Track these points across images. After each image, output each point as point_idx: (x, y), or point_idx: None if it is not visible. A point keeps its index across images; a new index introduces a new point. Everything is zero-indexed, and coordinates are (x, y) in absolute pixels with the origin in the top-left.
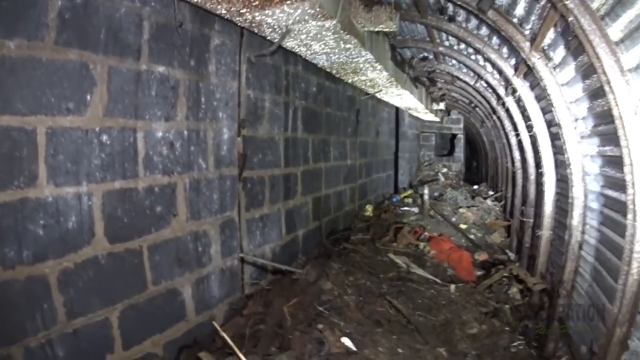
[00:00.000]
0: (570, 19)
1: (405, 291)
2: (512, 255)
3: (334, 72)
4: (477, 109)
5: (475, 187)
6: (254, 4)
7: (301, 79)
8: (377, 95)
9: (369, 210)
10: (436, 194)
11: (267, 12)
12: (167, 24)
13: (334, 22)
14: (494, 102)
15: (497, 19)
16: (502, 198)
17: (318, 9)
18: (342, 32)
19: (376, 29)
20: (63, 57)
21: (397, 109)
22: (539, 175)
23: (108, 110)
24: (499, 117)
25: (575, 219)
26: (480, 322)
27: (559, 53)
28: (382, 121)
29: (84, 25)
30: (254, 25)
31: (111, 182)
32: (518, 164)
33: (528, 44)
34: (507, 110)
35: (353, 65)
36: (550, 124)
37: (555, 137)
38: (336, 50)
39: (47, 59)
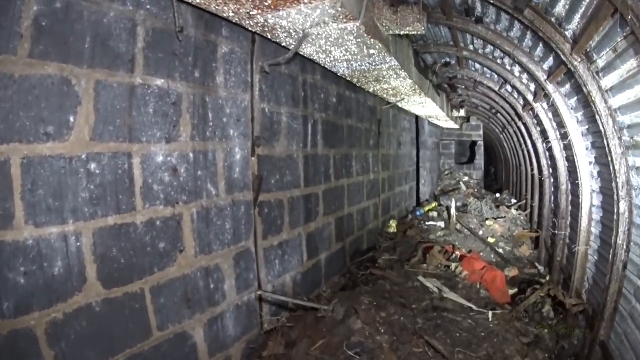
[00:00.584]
0: (630, 17)
1: (442, 324)
2: (542, 269)
3: (354, 80)
4: (498, 114)
5: (498, 195)
6: (266, 3)
7: (320, 89)
8: (399, 104)
9: (393, 226)
10: (459, 204)
11: (281, 13)
12: (166, 29)
13: (358, 24)
14: (519, 108)
15: (535, 19)
16: (526, 207)
17: (340, 9)
18: (366, 35)
19: (402, 32)
20: (40, 72)
21: (417, 117)
22: (574, 185)
23: (96, 133)
24: (524, 124)
25: (620, 237)
26: (523, 356)
27: (605, 56)
28: (404, 131)
29: (65, 33)
30: (266, 29)
31: (103, 218)
32: (547, 172)
33: (568, 46)
34: (536, 117)
35: (376, 73)
36: (588, 131)
37: (593, 146)
38: (358, 57)
39: (20, 76)
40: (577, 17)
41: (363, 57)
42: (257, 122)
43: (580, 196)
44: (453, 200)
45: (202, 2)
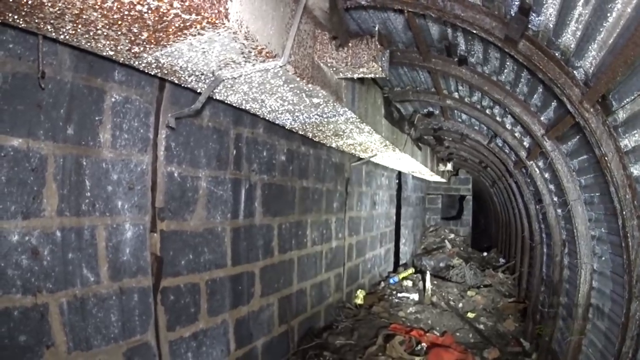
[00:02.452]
0: None
1: None
2: (527, 346)
3: (309, 135)
4: (488, 169)
5: (485, 254)
6: (142, 37)
7: (262, 145)
8: (372, 159)
9: (360, 296)
10: (442, 264)
11: (169, 50)
12: (32, 74)
13: (280, 63)
14: (510, 164)
15: (532, 54)
16: (514, 269)
17: (245, 42)
18: (298, 79)
19: (355, 75)
20: None
21: (399, 171)
22: (571, 258)
23: None
24: (516, 182)
25: (627, 344)
26: None
27: (629, 105)
28: (380, 189)
29: None
30: (165, 72)
31: None
32: (538, 237)
33: (578, 91)
34: (529, 176)
35: (331, 126)
36: (594, 199)
37: (600, 219)
38: (301, 107)
39: None
40: (593, 49)
41: (307, 107)
42: (161, 189)
43: (578, 276)
44: (428, 274)
45: (68, 38)
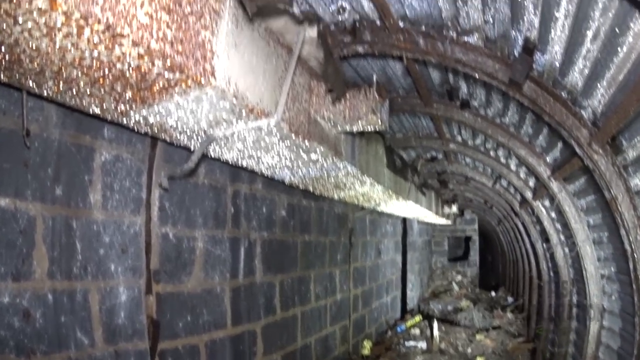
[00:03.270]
0: None
1: None
2: None
3: (310, 188)
4: (493, 208)
5: (493, 293)
6: (126, 96)
7: (261, 201)
8: (377, 208)
9: (367, 347)
10: (450, 307)
11: (157, 108)
12: (16, 131)
13: (272, 121)
14: (516, 205)
15: (538, 96)
16: (523, 308)
17: (234, 100)
18: (294, 136)
19: (354, 129)
20: None
21: (404, 217)
22: (580, 297)
23: None
24: (522, 222)
25: None
26: None
27: (639, 145)
28: (385, 237)
29: None
30: (156, 130)
31: None
32: (546, 276)
33: (586, 132)
34: (536, 216)
35: (332, 180)
36: (603, 239)
37: (610, 258)
38: (299, 163)
39: None
40: (601, 87)
41: (305, 162)
42: (155, 251)
43: (587, 315)
44: (435, 322)
45: (51, 94)
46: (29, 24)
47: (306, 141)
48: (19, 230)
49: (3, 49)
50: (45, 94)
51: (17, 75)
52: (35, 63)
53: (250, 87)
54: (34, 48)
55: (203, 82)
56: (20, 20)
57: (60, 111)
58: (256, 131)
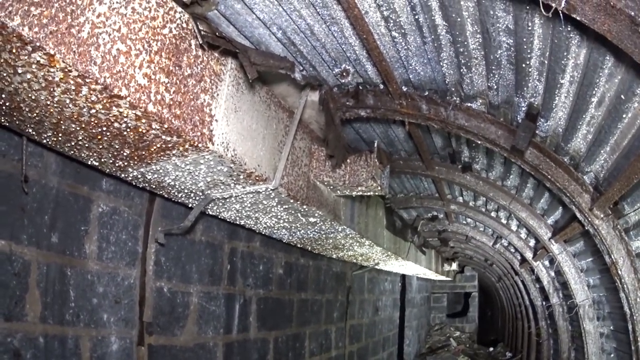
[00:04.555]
0: None
1: None
2: None
3: (308, 248)
4: (494, 265)
5: (491, 349)
6: (124, 153)
7: (258, 259)
8: (376, 266)
9: None
10: None
11: (155, 168)
12: (16, 175)
13: (270, 186)
14: (516, 264)
15: (540, 162)
16: None
17: (232, 165)
18: (292, 201)
19: (354, 193)
20: None
21: (403, 275)
22: (578, 353)
23: None
24: (522, 280)
25: None
26: None
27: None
28: (383, 294)
29: None
30: (154, 186)
31: None
32: (545, 334)
33: (587, 197)
34: (535, 275)
35: (330, 241)
36: (602, 299)
37: (608, 317)
38: (297, 225)
39: None
40: (605, 152)
41: (303, 225)
42: (149, 304)
43: None
44: None
45: (50, 143)
46: (28, 76)
47: (305, 206)
48: (13, 272)
49: (4, 95)
50: (44, 142)
51: (17, 121)
52: (35, 113)
53: (248, 151)
54: (33, 99)
55: (200, 146)
56: (20, 71)
57: (59, 159)
58: (254, 195)
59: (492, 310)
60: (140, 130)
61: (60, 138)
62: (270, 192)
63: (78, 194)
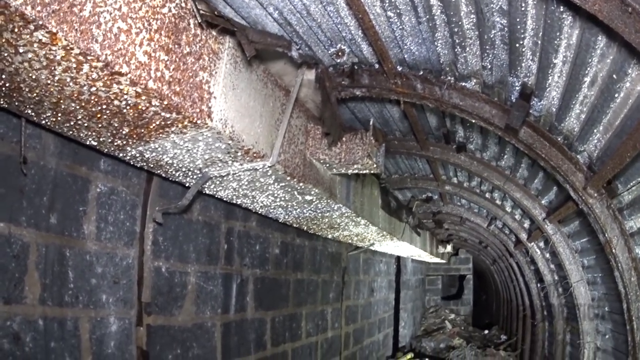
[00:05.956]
0: None
1: None
2: None
3: (304, 227)
4: (488, 248)
5: (486, 331)
6: (123, 132)
7: (255, 239)
8: (371, 247)
9: None
10: (442, 345)
11: (153, 146)
12: (14, 157)
13: (267, 163)
14: (510, 245)
15: (534, 141)
16: (516, 346)
17: (230, 142)
18: (289, 178)
19: (349, 171)
20: None
21: (398, 256)
22: (573, 336)
23: None
24: (517, 262)
25: None
26: None
27: (636, 188)
28: (378, 275)
29: None
30: (152, 165)
31: None
32: (540, 315)
33: (581, 176)
34: (530, 256)
35: (326, 220)
36: (597, 280)
37: (603, 297)
38: (294, 204)
39: None
40: (598, 132)
41: (299, 203)
42: (147, 284)
43: (581, 354)
44: None
45: (49, 124)
46: (29, 55)
47: (301, 183)
48: (12, 255)
49: (4, 76)
50: (43, 123)
51: (16, 102)
52: (35, 93)
53: (246, 128)
54: (33, 78)
55: (199, 123)
56: (21, 50)
57: (57, 140)
58: (251, 172)
59: (486, 293)
60: (140, 107)
61: (59, 118)
62: (268, 169)
63: (76, 174)
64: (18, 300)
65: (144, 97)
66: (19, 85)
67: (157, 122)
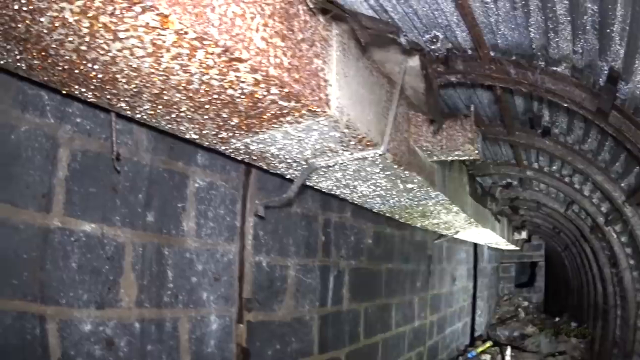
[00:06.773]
0: None
1: None
2: None
3: (395, 217)
4: (561, 234)
5: (557, 319)
6: (232, 123)
7: (350, 230)
8: (455, 235)
9: None
10: (516, 333)
11: (262, 137)
12: (104, 153)
13: (379, 151)
14: (586, 230)
15: (622, 125)
16: (586, 333)
17: (346, 131)
18: (396, 167)
19: (450, 158)
20: None
21: (475, 244)
22: None
23: None
24: (591, 247)
25: None
26: None
27: None
28: (459, 264)
29: None
30: (254, 157)
31: None
32: (612, 301)
33: None
34: (606, 241)
35: (420, 208)
36: None
37: None
38: (393, 192)
39: None
40: None
41: (399, 192)
42: (248, 280)
43: None
44: (509, 348)
45: (145, 117)
46: (132, 42)
47: (406, 171)
48: (105, 257)
49: (96, 66)
50: (138, 117)
51: (108, 95)
52: (133, 84)
53: (359, 116)
54: (134, 68)
55: (318, 111)
56: (122, 36)
57: (150, 135)
58: (359, 161)
59: (556, 281)
60: (256, 96)
61: (158, 111)
62: (377, 157)
63: (173, 170)
64: (112, 304)
65: (262, 85)
66: (114, 76)
67: (273, 112)
